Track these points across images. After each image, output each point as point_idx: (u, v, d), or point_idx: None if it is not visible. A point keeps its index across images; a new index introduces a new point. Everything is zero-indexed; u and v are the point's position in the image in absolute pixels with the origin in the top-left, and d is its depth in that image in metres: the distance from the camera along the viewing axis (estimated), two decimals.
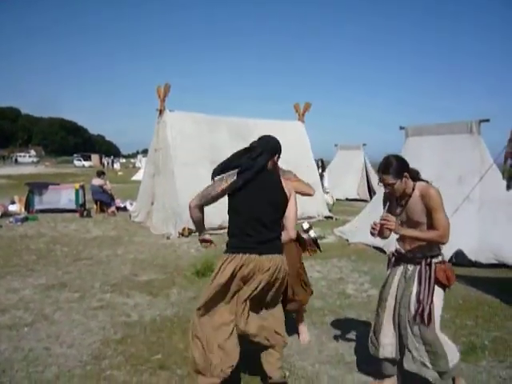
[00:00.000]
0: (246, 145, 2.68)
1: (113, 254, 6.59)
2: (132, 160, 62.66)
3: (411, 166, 2.63)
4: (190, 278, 5.28)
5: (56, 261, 6.11)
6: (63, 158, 71.91)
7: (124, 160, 69.29)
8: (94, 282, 5.11)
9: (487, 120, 6.70)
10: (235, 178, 2.46)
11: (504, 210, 6.28)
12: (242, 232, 2.47)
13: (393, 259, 2.78)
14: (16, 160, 62.64)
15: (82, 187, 11.29)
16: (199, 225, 2.69)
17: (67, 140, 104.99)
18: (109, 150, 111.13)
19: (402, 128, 7.94)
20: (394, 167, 2.53)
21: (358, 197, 15.41)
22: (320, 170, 12.94)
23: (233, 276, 2.43)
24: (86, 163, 54.10)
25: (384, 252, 6.80)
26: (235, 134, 9.37)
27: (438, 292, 2.55)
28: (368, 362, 3.14)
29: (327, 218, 10.50)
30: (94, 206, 11.18)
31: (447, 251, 4.47)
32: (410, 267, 2.64)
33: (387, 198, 2.74)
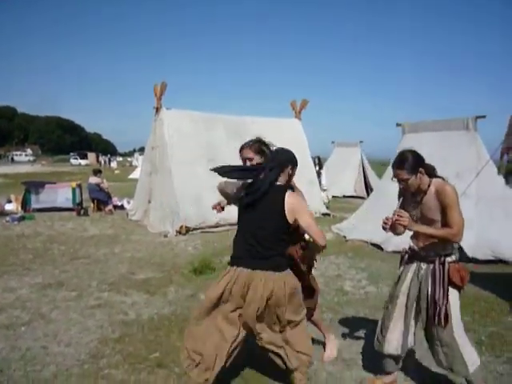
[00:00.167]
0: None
1: (110, 253, 6.57)
2: (129, 158, 62.31)
3: None
4: (188, 276, 5.27)
5: (53, 260, 6.09)
6: (60, 156, 71.58)
7: (121, 158, 68.85)
8: (91, 280, 5.10)
9: (483, 116, 6.72)
10: (243, 194, 2.50)
11: (501, 205, 6.30)
12: (238, 246, 2.53)
13: (406, 257, 2.73)
14: (12, 159, 62.27)
15: (79, 186, 11.26)
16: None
17: (64, 139, 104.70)
18: (105, 148, 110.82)
19: (398, 125, 7.95)
20: (409, 162, 2.47)
21: (355, 194, 15.43)
22: (317, 168, 12.93)
23: (225, 290, 2.42)
24: (83, 162, 53.75)
25: (381, 249, 6.83)
26: (232, 131, 9.34)
27: (453, 291, 2.51)
28: (366, 358, 3.15)
29: (324, 214, 10.50)
30: (91, 205, 11.15)
31: None
32: (424, 266, 2.59)
33: (402, 194, 2.68)
